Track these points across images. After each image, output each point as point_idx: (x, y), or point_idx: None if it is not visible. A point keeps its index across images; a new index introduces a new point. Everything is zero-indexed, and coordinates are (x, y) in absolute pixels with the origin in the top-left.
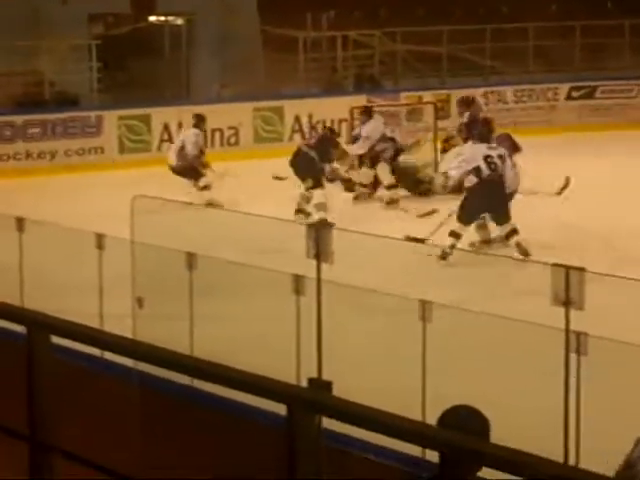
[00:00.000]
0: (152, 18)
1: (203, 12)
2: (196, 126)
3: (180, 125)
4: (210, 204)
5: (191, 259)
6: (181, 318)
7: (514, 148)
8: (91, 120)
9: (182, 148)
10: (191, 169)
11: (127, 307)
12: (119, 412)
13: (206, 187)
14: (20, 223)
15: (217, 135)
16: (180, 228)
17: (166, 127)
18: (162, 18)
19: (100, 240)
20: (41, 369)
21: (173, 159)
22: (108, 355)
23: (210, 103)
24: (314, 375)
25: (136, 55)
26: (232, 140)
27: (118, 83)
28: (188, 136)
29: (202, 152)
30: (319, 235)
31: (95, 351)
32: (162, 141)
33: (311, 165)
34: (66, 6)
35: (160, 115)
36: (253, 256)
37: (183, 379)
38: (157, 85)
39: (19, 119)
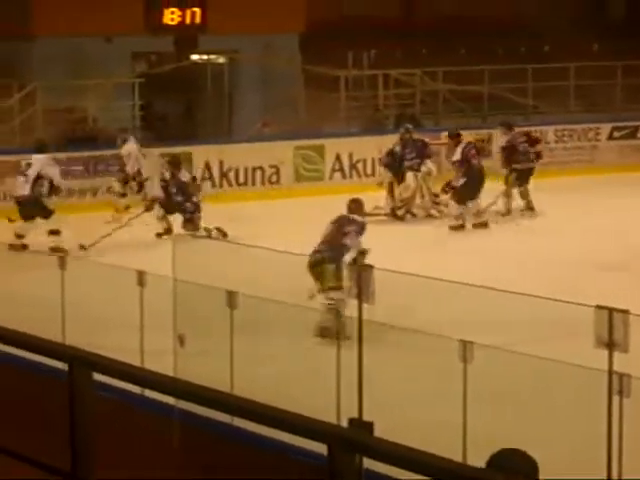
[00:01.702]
0: (194, 57)
1: (245, 50)
2: None
3: (221, 163)
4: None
5: (232, 297)
6: (221, 356)
7: (532, 141)
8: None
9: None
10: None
11: (167, 344)
12: (160, 449)
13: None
14: (62, 260)
15: (258, 173)
16: (221, 266)
17: (207, 165)
18: (204, 57)
19: (141, 277)
20: (83, 405)
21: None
22: (149, 392)
23: (251, 141)
24: (354, 414)
25: (179, 93)
26: (273, 179)
27: (160, 121)
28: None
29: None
30: (361, 276)
31: (136, 388)
32: (203, 179)
33: None
34: (110, 45)
35: (201, 153)
36: (294, 295)
37: (223, 417)
38: (199, 123)
39: (62, 156)
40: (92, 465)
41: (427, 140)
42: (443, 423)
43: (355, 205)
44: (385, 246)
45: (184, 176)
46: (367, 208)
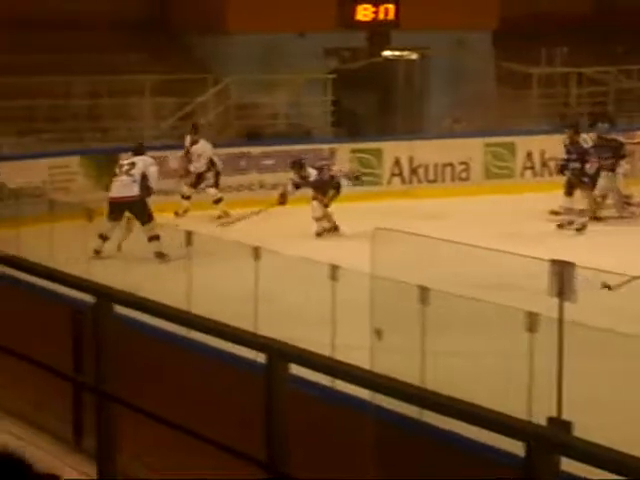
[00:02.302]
0: (387, 53)
1: (437, 47)
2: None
3: (411, 159)
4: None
5: (424, 293)
6: (413, 352)
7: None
8: (324, 153)
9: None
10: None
11: (358, 339)
12: (353, 445)
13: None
14: (257, 252)
15: (448, 170)
16: (416, 261)
17: (397, 161)
18: (397, 53)
19: (334, 271)
20: (279, 397)
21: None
22: (341, 386)
23: (442, 138)
24: (549, 414)
25: (370, 89)
26: (463, 175)
27: (351, 117)
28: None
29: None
30: (563, 272)
31: (327, 382)
32: (392, 175)
33: None
34: (303, 40)
35: (392, 149)
36: (486, 291)
37: (414, 413)
38: (390, 119)
39: (255, 150)
40: (287, 457)
41: (622, 140)
42: None
43: None
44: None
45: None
46: (554, 207)
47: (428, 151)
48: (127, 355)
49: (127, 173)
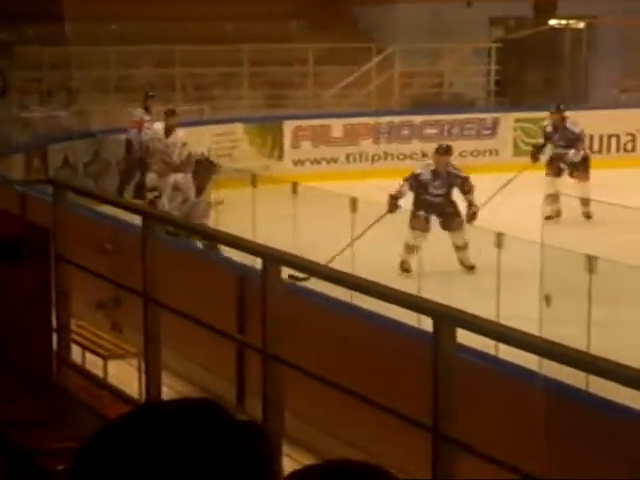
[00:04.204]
0: (553, 22)
1: (605, 15)
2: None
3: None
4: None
5: (591, 262)
6: (579, 322)
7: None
8: (487, 122)
9: None
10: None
11: (523, 308)
12: (522, 414)
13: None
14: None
15: (613, 141)
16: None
17: None
18: (563, 22)
19: (499, 239)
20: (447, 362)
21: None
22: (510, 356)
23: (608, 108)
24: None
25: (535, 59)
26: (629, 146)
27: (515, 86)
28: None
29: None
30: None
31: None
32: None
33: None
34: (469, 9)
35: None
36: None
37: (579, 383)
38: (555, 89)
39: (417, 119)
40: (454, 422)
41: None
42: None
43: None
44: None
45: None
46: None
47: (594, 121)
48: (292, 320)
49: None
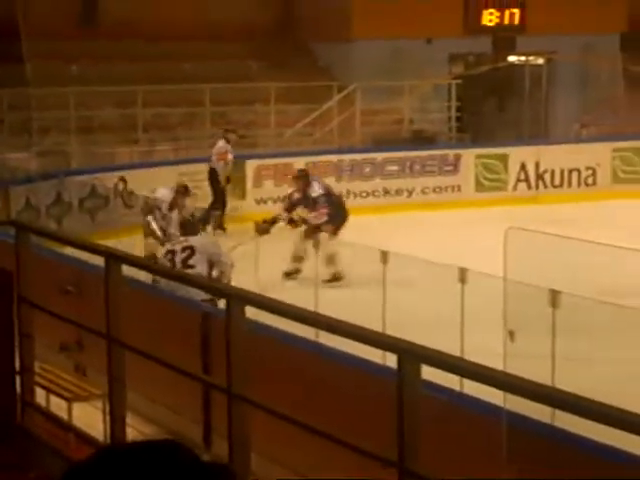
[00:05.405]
0: (512, 58)
1: (564, 51)
2: None
3: (537, 165)
4: None
5: (555, 296)
6: (543, 357)
7: None
8: (449, 159)
9: None
10: None
11: (487, 342)
12: (487, 449)
13: None
14: (384, 256)
15: (574, 175)
16: (547, 264)
17: (523, 166)
18: (522, 58)
19: (463, 274)
20: (411, 398)
21: None
22: (476, 391)
23: (568, 143)
24: None
25: (495, 94)
26: (589, 181)
27: (476, 122)
28: None
29: None
30: None
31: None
32: (518, 181)
33: None
34: (429, 46)
35: (518, 154)
36: (619, 297)
37: (545, 417)
38: (515, 125)
39: (379, 156)
40: (417, 457)
41: None
42: None
43: None
44: None
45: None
46: None
47: (554, 156)
48: (257, 359)
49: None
